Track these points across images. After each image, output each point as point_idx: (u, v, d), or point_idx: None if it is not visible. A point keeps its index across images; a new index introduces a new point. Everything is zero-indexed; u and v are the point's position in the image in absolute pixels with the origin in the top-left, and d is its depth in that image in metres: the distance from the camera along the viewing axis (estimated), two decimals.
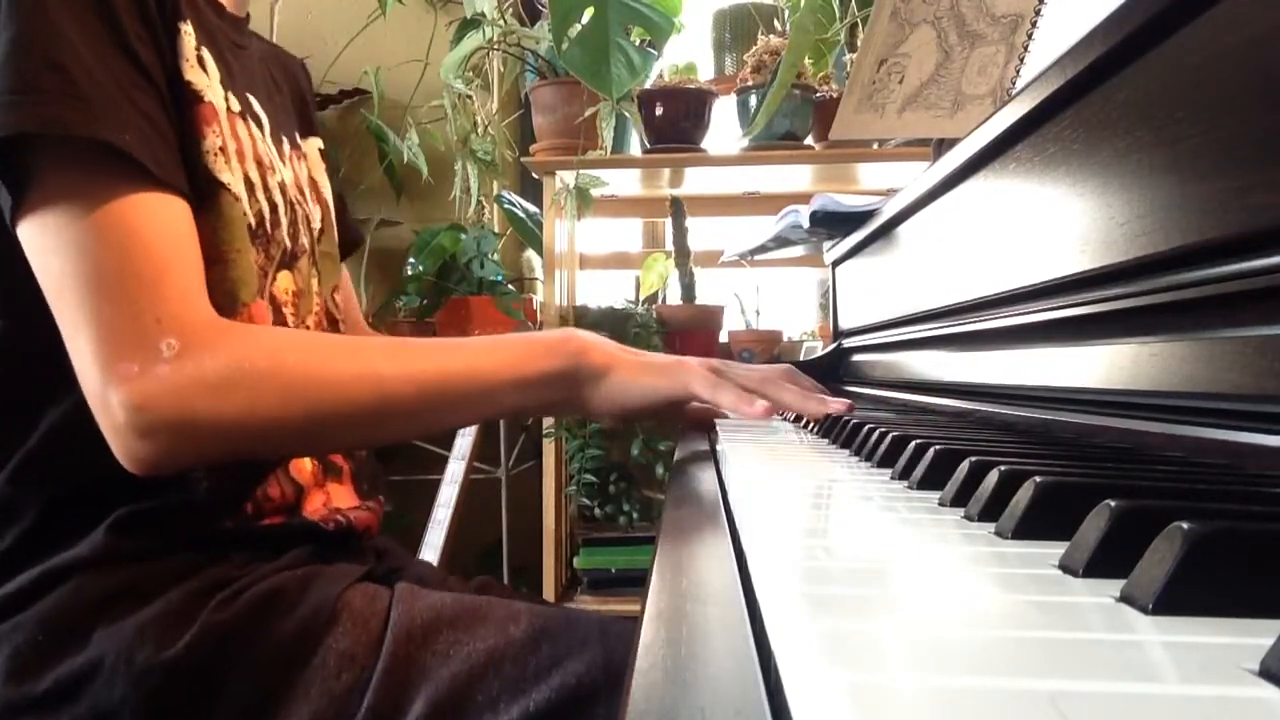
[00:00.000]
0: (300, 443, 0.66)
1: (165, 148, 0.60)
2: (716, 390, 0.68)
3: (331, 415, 0.61)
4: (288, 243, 0.73)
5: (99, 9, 0.58)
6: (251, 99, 0.73)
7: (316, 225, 0.81)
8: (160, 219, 0.58)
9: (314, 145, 0.87)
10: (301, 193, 0.78)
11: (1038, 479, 0.33)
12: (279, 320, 0.73)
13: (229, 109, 0.68)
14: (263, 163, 0.71)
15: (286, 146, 0.78)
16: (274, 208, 0.71)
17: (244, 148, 0.69)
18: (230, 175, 0.66)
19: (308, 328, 0.77)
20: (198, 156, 0.64)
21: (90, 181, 0.56)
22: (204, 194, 0.64)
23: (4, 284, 0.61)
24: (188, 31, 0.64)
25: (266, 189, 0.70)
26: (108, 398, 0.55)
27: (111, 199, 0.56)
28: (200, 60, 0.65)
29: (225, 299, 0.65)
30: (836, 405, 0.71)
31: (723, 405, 0.68)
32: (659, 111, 1.87)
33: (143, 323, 0.55)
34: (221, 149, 0.65)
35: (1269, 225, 0.38)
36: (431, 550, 1.84)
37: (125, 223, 0.56)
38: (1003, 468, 0.36)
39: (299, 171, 0.79)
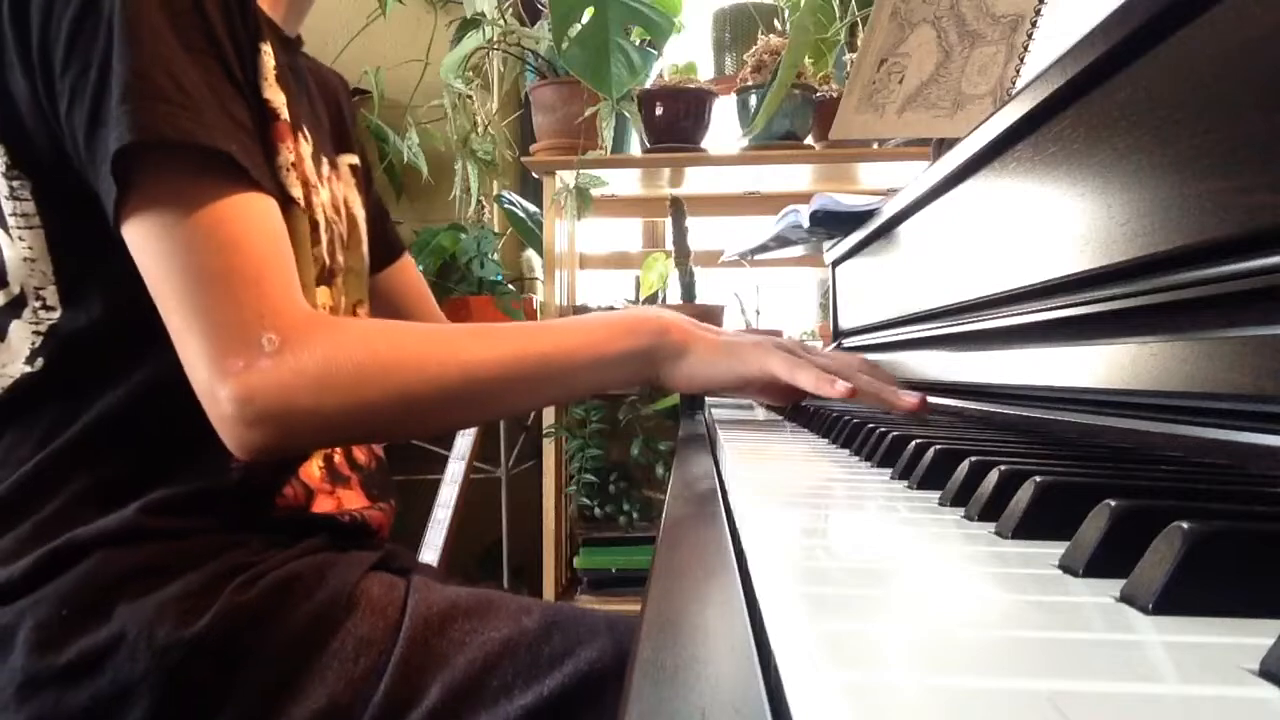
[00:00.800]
0: (396, 428, 0.69)
1: (260, 156, 0.63)
2: (795, 371, 0.69)
3: (424, 400, 0.63)
4: (326, 259, 0.76)
5: (203, 28, 0.61)
6: (301, 120, 0.75)
7: (345, 243, 0.83)
8: (260, 220, 0.61)
9: (346, 161, 0.88)
10: (337, 211, 0.80)
11: (1038, 479, 0.33)
12: None
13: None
14: (308, 182, 0.73)
15: (325, 166, 0.81)
16: (314, 225, 0.74)
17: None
18: (300, 190, 0.69)
19: None
20: (273, 171, 0.67)
21: (199, 186, 0.59)
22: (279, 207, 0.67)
23: (66, 274, 0.64)
24: (268, 51, 0.68)
25: (309, 207, 0.73)
26: (215, 391, 0.58)
27: (218, 202, 0.59)
28: (279, 77, 0.69)
29: None
30: (910, 401, 0.71)
31: (802, 385, 0.69)
32: (659, 111, 1.87)
33: (245, 319, 0.58)
34: (293, 165, 0.69)
35: (1269, 225, 0.38)
36: (431, 550, 1.84)
37: (230, 225, 0.59)
38: (1003, 467, 0.36)
39: (335, 190, 0.82)
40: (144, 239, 0.59)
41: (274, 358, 0.58)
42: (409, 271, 1.00)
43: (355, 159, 0.90)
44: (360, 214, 0.87)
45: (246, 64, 0.66)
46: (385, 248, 0.93)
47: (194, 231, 0.58)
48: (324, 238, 0.75)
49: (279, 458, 0.61)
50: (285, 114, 0.68)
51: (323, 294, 0.76)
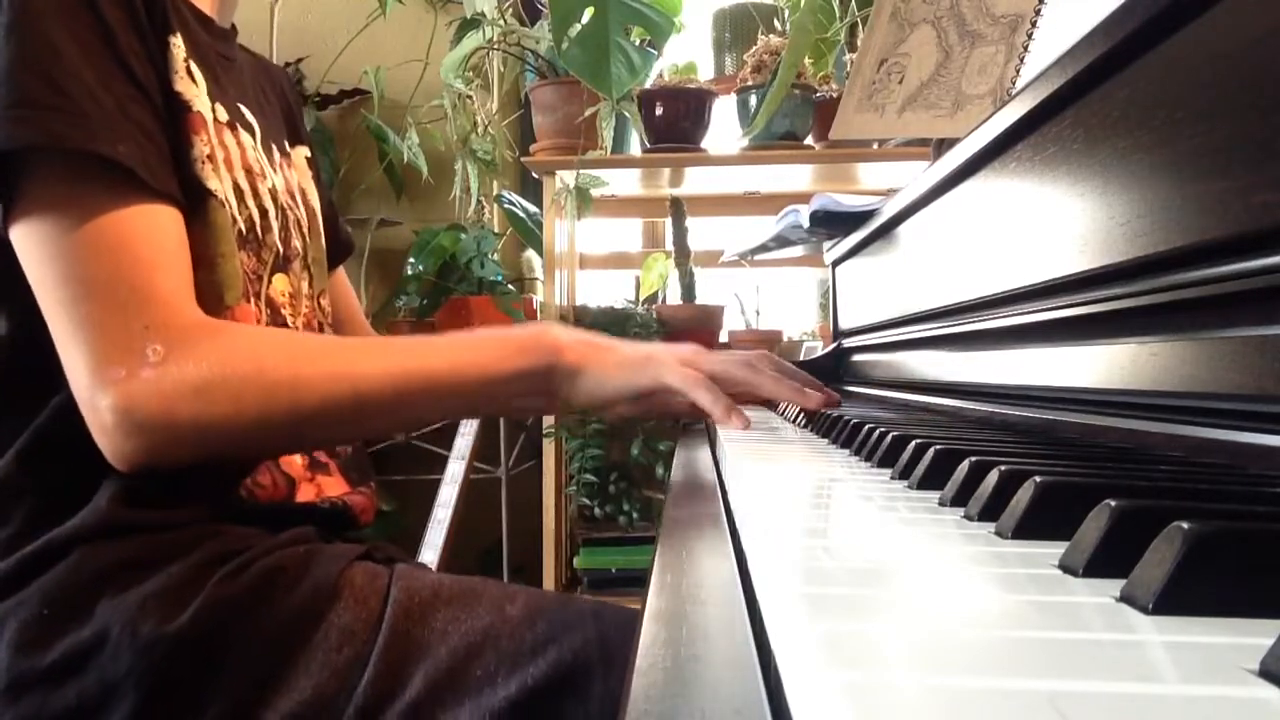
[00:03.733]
0: (281, 441, 0.68)
1: (159, 157, 0.62)
2: (692, 387, 0.69)
3: (311, 414, 0.63)
4: (280, 246, 0.75)
5: (97, 26, 0.60)
6: (243, 108, 0.75)
7: (305, 230, 0.82)
8: (151, 227, 0.60)
9: (301, 154, 0.88)
10: (292, 197, 0.80)
11: (1038, 479, 0.33)
12: (277, 320, 0.75)
13: (216, 119, 0.70)
14: (253, 170, 0.72)
15: (277, 154, 0.80)
16: (264, 213, 0.73)
17: (232, 156, 0.70)
18: (218, 182, 0.68)
19: (298, 327, 0.79)
20: (187, 164, 0.66)
21: (85, 192, 0.58)
22: (192, 200, 0.66)
23: (7, 290, 0.64)
24: (177, 44, 0.66)
25: (257, 195, 0.72)
26: (95, 401, 0.58)
27: (105, 209, 0.58)
28: (189, 71, 0.67)
29: (212, 301, 0.67)
30: (815, 398, 0.72)
31: (699, 403, 0.69)
32: (659, 111, 1.87)
33: (130, 329, 0.58)
34: (209, 157, 0.67)
35: (1269, 225, 0.38)
36: (431, 550, 1.84)
37: (117, 232, 0.59)
38: (1003, 467, 0.36)
39: (289, 178, 0.81)
40: (26, 244, 0.59)
41: (157, 368, 0.58)
42: (342, 276, 0.99)
43: (308, 152, 0.89)
44: (317, 206, 0.86)
45: (154, 59, 0.64)
46: (336, 247, 0.93)
47: (76, 237, 0.58)
48: (275, 224, 0.74)
49: (159, 470, 0.60)
50: (198, 105, 0.67)
51: (280, 281, 0.75)
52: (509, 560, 2.08)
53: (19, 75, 0.57)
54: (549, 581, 1.90)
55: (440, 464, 2.00)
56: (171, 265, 0.61)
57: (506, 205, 2.16)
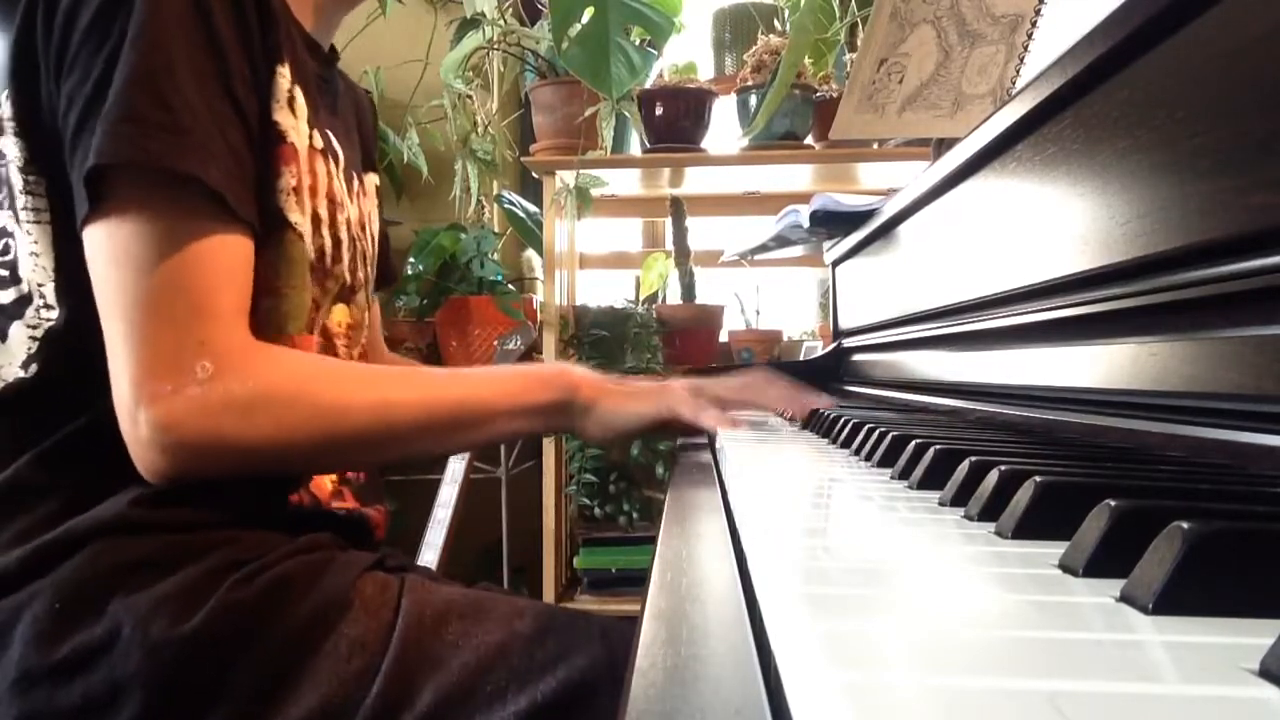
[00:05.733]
0: (314, 462, 0.70)
1: (244, 183, 0.64)
2: (699, 414, 0.75)
3: (347, 439, 0.65)
4: (347, 277, 0.77)
5: (213, 49, 0.62)
6: (332, 136, 0.76)
7: (369, 260, 0.84)
8: (223, 252, 0.62)
9: (371, 181, 0.90)
10: (362, 228, 0.82)
11: (1038, 479, 0.33)
12: (330, 352, 0.77)
13: (311, 146, 0.72)
14: (334, 199, 0.74)
15: (355, 183, 0.82)
16: (337, 244, 0.75)
17: (319, 184, 0.72)
18: (299, 215, 0.70)
19: (353, 358, 0.82)
20: (272, 194, 0.68)
21: (169, 209, 0.60)
22: (271, 230, 0.67)
23: (65, 270, 0.65)
24: (283, 74, 0.69)
25: (333, 225, 0.74)
26: (136, 413, 0.58)
27: (185, 227, 0.60)
28: (291, 100, 0.69)
29: (272, 330, 0.69)
30: (816, 402, 0.80)
31: (707, 427, 0.74)
32: (659, 111, 1.87)
33: (183, 346, 0.59)
34: (295, 189, 0.69)
35: (1269, 225, 0.38)
36: (431, 550, 1.84)
37: (190, 250, 0.60)
38: (1002, 468, 0.36)
39: (363, 208, 0.83)
40: (99, 247, 0.60)
41: (204, 385, 0.59)
42: (375, 305, 1.02)
43: (377, 179, 0.92)
44: (377, 234, 0.88)
45: (260, 88, 0.66)
46: (380, 276, 0.96)
47: (150, 248, 0.59)
48: (346, 255, 0.76)
49: (186, 483, 0.62)
50: (293, 137, 0.69)
51: (340, 312, 0.77)
52: (509, 560, 2.08)
53: (131, 90, 0.58)
54: (549, 581, 1.90)
55: (440, 464, 2.00)
56: (233, 289, 0.63)
57: (506, 205, 2.15)
